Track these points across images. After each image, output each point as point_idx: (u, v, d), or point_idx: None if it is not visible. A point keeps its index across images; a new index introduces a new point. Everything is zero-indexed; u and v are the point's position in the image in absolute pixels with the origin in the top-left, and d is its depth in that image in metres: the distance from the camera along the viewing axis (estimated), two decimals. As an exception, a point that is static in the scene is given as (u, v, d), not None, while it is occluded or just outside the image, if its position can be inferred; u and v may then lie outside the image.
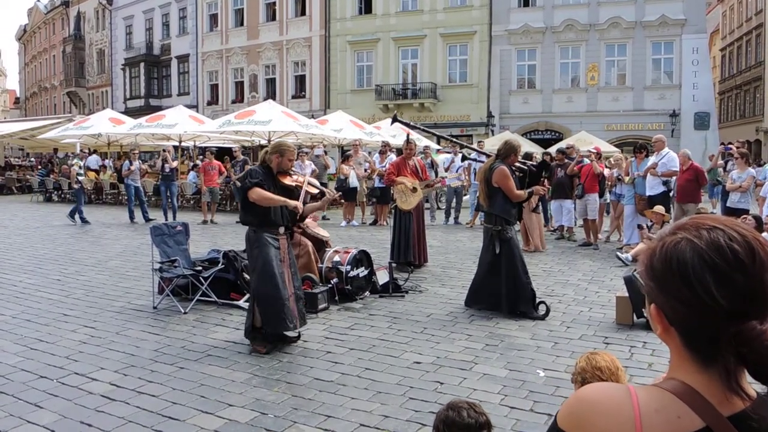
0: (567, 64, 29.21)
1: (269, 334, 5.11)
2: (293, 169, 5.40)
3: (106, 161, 23.43)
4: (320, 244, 7.44)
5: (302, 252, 6.99)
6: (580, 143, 19.38)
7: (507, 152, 6.39)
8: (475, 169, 13.92)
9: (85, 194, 16.96)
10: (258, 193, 5.03)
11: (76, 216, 14.81)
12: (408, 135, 9.41)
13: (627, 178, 10.40)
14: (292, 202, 5.19)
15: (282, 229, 5.26)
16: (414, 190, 8.84)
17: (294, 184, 5.32)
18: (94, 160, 22.41)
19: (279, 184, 5.21)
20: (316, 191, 5.68)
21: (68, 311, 6.52)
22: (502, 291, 6.24)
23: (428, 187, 9.49)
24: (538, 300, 6.31)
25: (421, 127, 8.86)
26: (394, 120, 8.23)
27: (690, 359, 0.95)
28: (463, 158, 12.63)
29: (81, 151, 16.51)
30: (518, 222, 6.95)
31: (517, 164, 6.62)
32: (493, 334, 5.66)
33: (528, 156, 9.80)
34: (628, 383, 1.05)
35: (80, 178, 15.48)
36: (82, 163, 16.51)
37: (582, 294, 7.33)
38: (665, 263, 0.94)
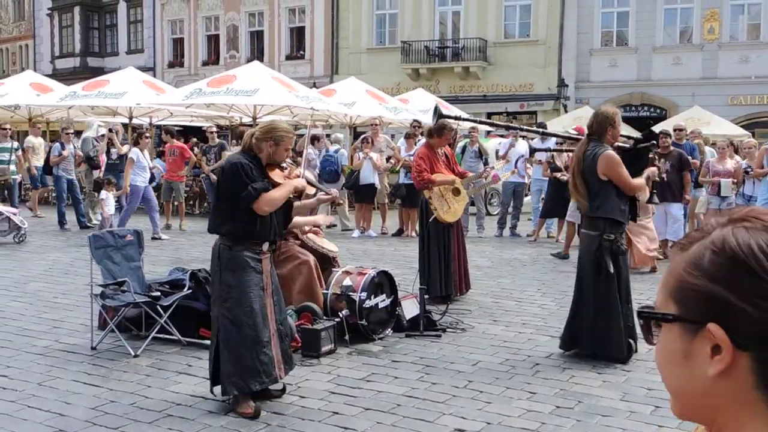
0: (674, 11, 29.03)
1: (243, 389, 5.14)
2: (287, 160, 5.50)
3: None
4: (326, 262, 7.46)
5: (301, 269, 6.99)
6: (693, 123, 19.22)
7: (601, 127, 6.35)
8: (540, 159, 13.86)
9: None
10: (269, 201, 5.13)
11: None
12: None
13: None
14: (300, 182, 5.35)
15: (266, 246, 5.32)
16: (456, 191, 8.73)
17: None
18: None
19: (269, 180, 5.29)
20: (313, 191, 5.75)
21: (-25, 351, 6.61)
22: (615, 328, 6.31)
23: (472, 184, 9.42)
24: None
25: (477, 120, 8.85)
26: (439, 116, 8.22)
27: (762, 407, 0.93)
28: (532, 151, 12.54)
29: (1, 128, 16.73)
30: (633, 222, 7.05)
31: (618, 143, 6.63)
32: (567, 391, 5.63)
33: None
34: None
35: (12, 167, 15.71)
36: (16, 146, 16.65)
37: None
38: (735, 252, 0.93)
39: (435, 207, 8.61)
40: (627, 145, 6.81)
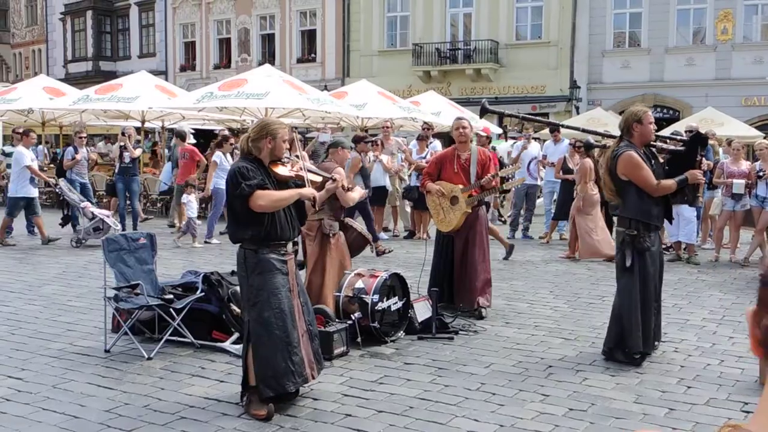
0: (687, 12, 28.95)
1: (278, 391, 5.15)
2: (287, 154, 5.48)
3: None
4: (362, 243, 7.62)
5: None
6: (706, 125, 19.14)
7: (626, 124, 6.40)
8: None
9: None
10: (265, 198, 5.10)
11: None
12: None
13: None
14: (309, 191, 5.34)
15: (290, 246, 5.35)
16: (454, 200, 8.29)
17: (294, 173, 5.42)
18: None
19: (275, 177, 5.30)
20: (319, 179, 5.76)
21: (-11, 354, 6.65)
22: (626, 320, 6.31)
23: (482, 191, 8.46)
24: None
25: (519, 114, 8.78)
26: (484, 111, 8.00)
27: None
28: (588, 147, 12.38)
29: (14, 132, 16.73)
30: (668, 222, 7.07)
31: (659, 143, 6.61)
32: (580, 394, 5.63)
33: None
34: None
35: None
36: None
37: (708, 340, 7.23)
38: None
39: (432, 215, 8.61)
40: (672, 146, 6.81)
